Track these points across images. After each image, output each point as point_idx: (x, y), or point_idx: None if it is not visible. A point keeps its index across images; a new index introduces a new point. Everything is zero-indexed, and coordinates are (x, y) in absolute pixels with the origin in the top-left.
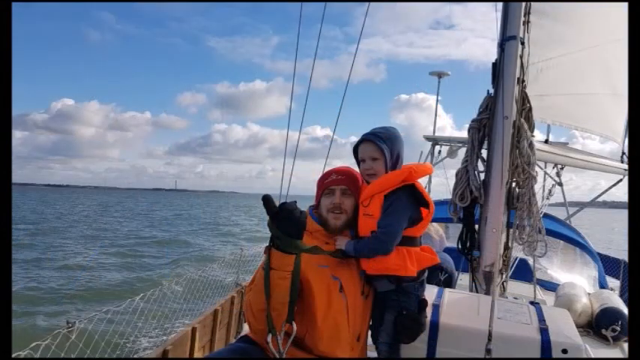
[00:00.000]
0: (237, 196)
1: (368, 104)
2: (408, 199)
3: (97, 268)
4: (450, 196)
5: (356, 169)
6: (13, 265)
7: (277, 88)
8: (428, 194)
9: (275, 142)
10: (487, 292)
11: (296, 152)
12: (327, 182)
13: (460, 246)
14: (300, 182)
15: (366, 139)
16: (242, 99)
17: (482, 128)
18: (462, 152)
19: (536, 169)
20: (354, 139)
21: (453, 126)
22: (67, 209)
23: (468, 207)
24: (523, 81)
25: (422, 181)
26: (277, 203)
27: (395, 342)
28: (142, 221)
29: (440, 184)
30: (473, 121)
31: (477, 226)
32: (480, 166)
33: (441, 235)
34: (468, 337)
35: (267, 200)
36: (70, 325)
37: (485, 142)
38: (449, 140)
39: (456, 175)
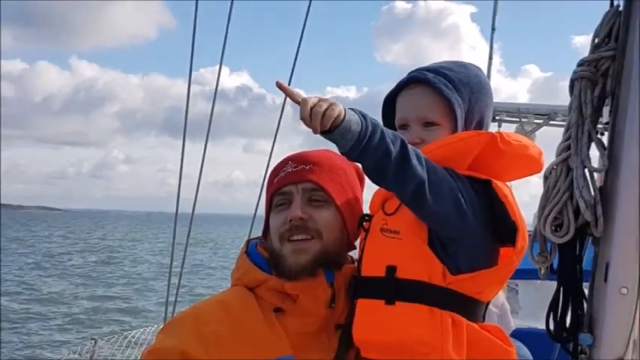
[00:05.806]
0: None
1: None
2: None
3: None
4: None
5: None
6: None
7: None
8: (519, 213)
9: (135, 100)
10: None
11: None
12: (279, 180)
13: (553, 325)
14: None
15: (418, 78)
16: (58, 15)
17: (601, 80)
18: (545, 133)
19: None
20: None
21: (506, 74)
22: None
23: (569, 244)
24: None
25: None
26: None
27: None
28: None
29: None
30: (582, 64)
31: (586, 285)
32: (595, 161)
33: (503, 307)
34: None
35: None
36: None
37: (605, 111)
38: (517, 112)
39: (544, 179)
